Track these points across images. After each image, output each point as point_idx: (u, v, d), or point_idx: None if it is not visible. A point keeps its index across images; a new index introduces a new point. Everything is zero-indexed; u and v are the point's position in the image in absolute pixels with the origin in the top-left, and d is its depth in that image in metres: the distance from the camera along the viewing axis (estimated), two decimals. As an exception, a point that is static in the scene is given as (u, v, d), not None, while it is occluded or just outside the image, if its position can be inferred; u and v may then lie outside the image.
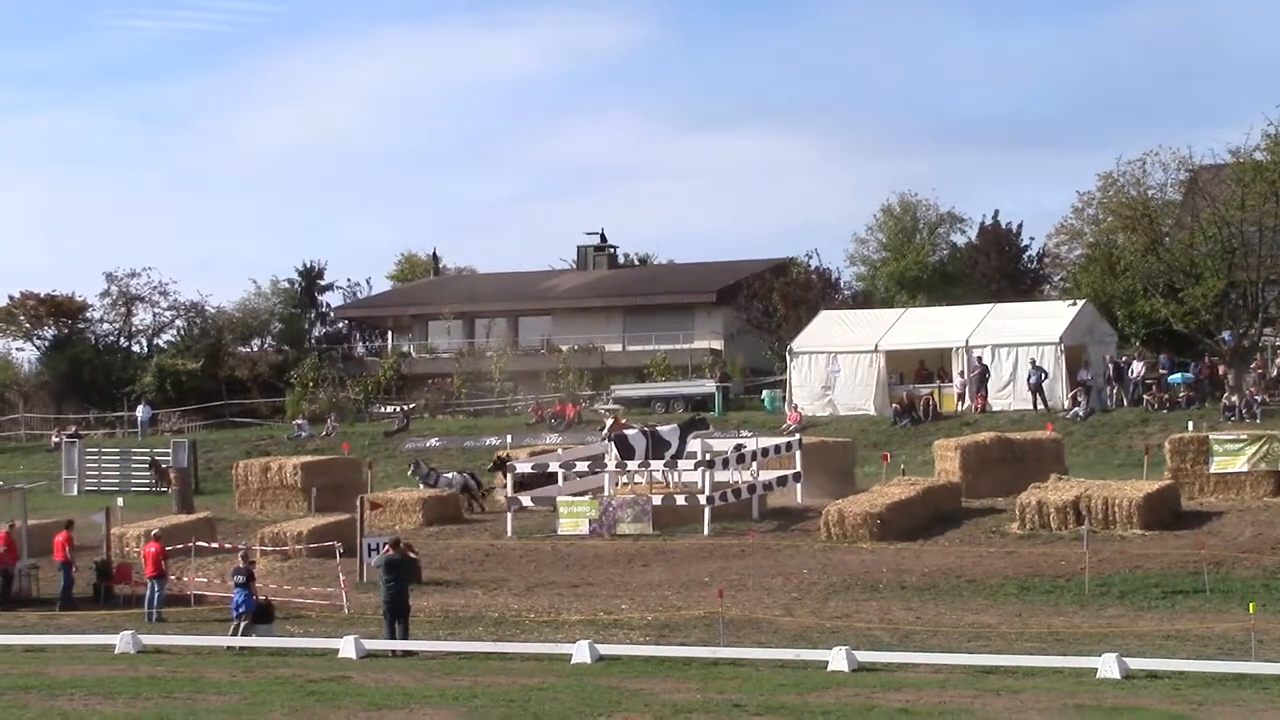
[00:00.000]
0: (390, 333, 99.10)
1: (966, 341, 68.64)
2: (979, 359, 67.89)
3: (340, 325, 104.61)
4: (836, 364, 70.26)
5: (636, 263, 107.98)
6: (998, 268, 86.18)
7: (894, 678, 27.22)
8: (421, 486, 55.76)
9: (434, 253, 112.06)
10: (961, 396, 68.04)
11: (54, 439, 77.40)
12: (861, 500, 47.55)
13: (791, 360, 71.19)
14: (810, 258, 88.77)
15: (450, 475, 56.38)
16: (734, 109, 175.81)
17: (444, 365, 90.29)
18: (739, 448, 52.80)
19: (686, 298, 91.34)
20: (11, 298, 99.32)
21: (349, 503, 48.82)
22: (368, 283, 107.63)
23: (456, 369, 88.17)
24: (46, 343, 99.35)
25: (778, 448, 53.66)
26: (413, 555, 38.01)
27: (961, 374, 68.42)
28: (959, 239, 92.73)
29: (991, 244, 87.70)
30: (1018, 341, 67.76)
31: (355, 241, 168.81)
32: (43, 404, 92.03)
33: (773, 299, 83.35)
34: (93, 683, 27.63)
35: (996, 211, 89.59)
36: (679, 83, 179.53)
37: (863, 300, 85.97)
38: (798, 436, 56.00)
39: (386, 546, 34.22)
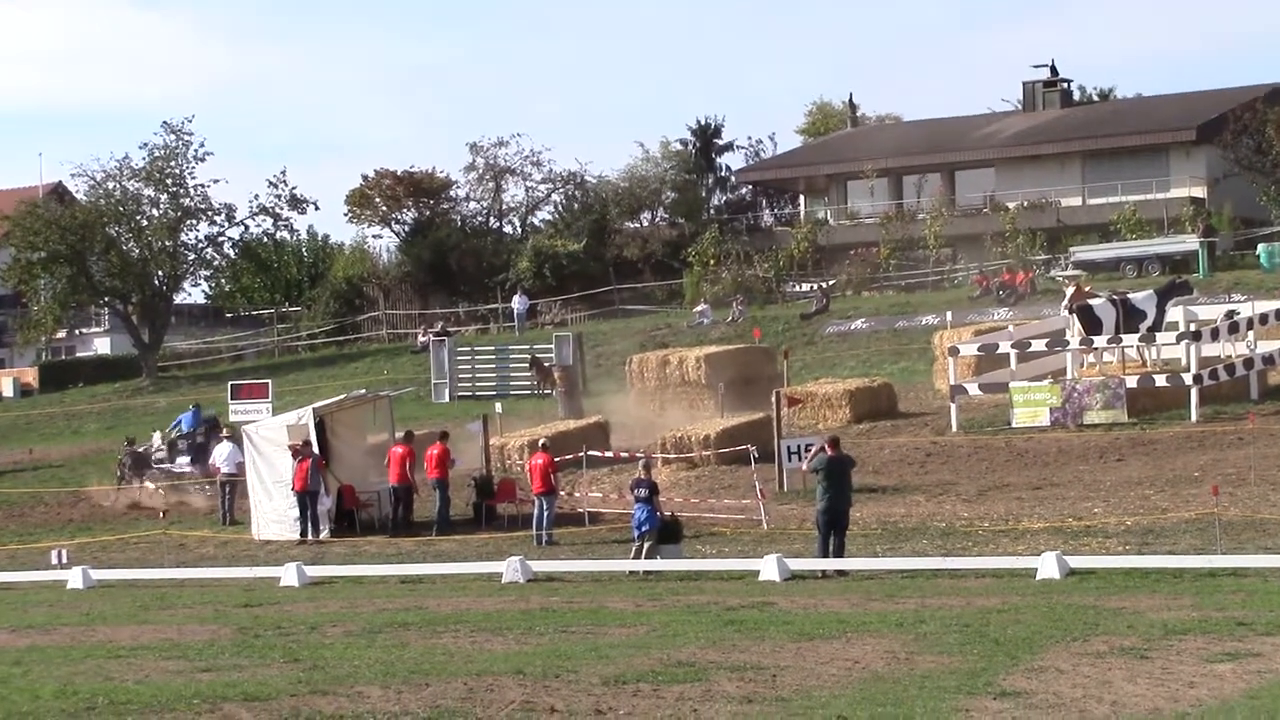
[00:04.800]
0: (802, 197, 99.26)
1: None
2: None
3: (743, 191, 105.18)
4: (1350, 207, 68.43)
5: (1096, 99, 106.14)
6: None
7: None
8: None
9: (850, 99, 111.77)
10: None
11: (420, 338, 79.46)
12: (1390, 372, 46.32)
13: (1293, 206, 69.54)
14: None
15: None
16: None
17: (868, 233, 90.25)
18: (1231, 315, 51.86)
19: (1159, 137, 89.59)
20: (365, 177, 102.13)
21: (763, 399, 49.25)
22: (773, 139, 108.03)
23: (883, 236, 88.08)
24: (406, 228, 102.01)
25: (1278, 313, 52.50)
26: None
27: None
28: None
29: None
30: None
31: (756, 92, 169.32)
32: (405, 299, 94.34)
33: (1267, 133, 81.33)
34: (479, 617, 28.36)
35: None
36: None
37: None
38: (1303, 298, 54.76)
39: (824, 445, 33.95)
